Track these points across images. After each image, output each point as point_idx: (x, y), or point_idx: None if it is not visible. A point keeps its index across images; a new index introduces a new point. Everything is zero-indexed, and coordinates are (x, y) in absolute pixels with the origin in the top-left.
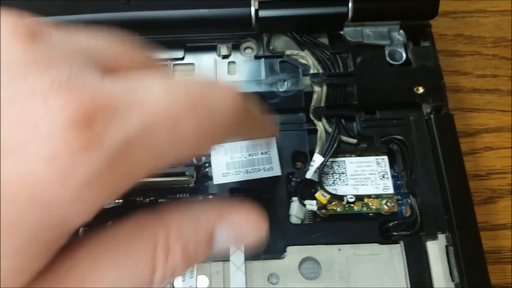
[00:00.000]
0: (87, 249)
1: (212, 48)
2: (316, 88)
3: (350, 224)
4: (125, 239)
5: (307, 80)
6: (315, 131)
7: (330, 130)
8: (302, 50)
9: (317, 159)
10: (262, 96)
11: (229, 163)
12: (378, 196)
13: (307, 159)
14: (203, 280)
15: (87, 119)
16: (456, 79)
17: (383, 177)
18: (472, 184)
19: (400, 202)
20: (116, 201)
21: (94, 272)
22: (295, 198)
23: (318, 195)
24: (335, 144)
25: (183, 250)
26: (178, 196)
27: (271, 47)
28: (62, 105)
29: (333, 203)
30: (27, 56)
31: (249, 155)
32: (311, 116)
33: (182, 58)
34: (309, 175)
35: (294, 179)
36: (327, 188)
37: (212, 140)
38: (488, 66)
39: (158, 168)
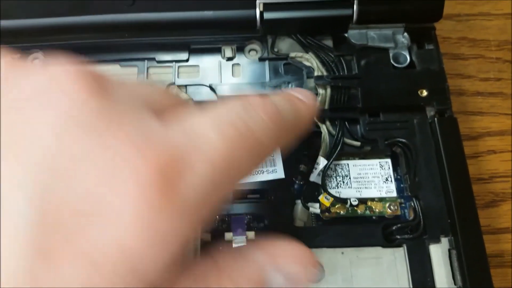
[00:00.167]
0: None
1: (217, 50)
2: (320, 91)
3: (353, 227)
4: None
5: (311, 83)
6: (319, 133)
7: (333, 132)
8: (307, 52)
9: (321, 162)
10: None
11: None
12: (381, 199)
13: (310, 161)
14: None
15: (165, 175)
16: (460, 82)
17: (387, 180)
18: (475, 188)
19: (403, 205)
20: None
21: None
22: (298, 201)
23: (321, 198)
24: (339, 147)
25: None
26: None
27: (275, 49)
28: (145, 166)
29: (336, 206)
30: (103, 114)
31: None
32: (315, 119)
33: (187, 60)
34: (313, 177)
35: (297, 181)
36: (331, 191)
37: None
38: (491, 69)
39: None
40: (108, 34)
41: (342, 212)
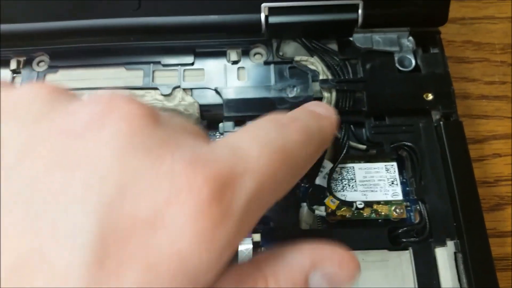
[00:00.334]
0: None
1: (222, 54)
2: (325, 94)
3: (359, 230)
4: None
5: (316, 86)
6: None
7: (339, 136)
8: (312, 56)
9: (326, 165)
10: (272, 102)
11: None
12: (387, 203)
13: (316, 164)
14: None
15: (219, 190)
16: (465, 85)
17: (392, 183)
18: (480, 191)
19: (409, 208)
20: None
21: None
22: (304, 204)
23: (327, 201)
24: (344, 150)
25: None
26: None
27: (280, 53)
28: (201, 182)
29: (342, 209)
30: (158, 138)
31: None
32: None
33: (192, 64)
34: (318, 180)
35: (303, 184)
36: (336, 194)
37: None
38: (496, 72)
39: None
40: (114, 38)
41: (348, 215)
